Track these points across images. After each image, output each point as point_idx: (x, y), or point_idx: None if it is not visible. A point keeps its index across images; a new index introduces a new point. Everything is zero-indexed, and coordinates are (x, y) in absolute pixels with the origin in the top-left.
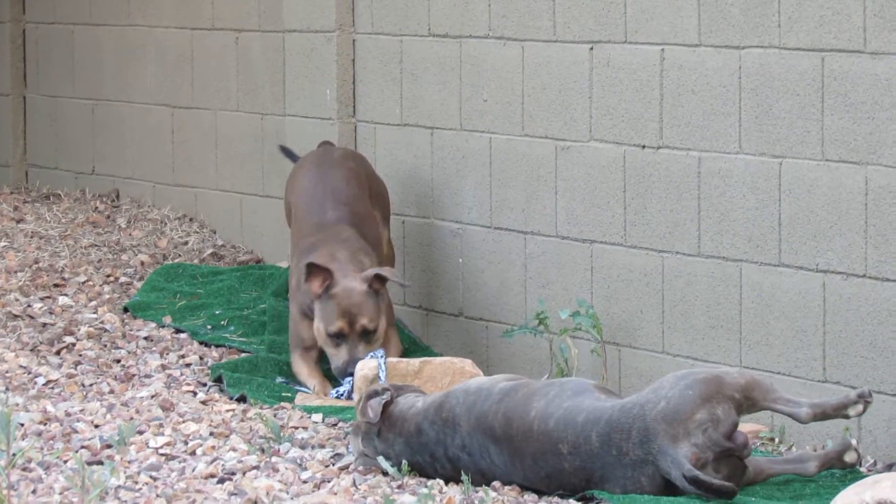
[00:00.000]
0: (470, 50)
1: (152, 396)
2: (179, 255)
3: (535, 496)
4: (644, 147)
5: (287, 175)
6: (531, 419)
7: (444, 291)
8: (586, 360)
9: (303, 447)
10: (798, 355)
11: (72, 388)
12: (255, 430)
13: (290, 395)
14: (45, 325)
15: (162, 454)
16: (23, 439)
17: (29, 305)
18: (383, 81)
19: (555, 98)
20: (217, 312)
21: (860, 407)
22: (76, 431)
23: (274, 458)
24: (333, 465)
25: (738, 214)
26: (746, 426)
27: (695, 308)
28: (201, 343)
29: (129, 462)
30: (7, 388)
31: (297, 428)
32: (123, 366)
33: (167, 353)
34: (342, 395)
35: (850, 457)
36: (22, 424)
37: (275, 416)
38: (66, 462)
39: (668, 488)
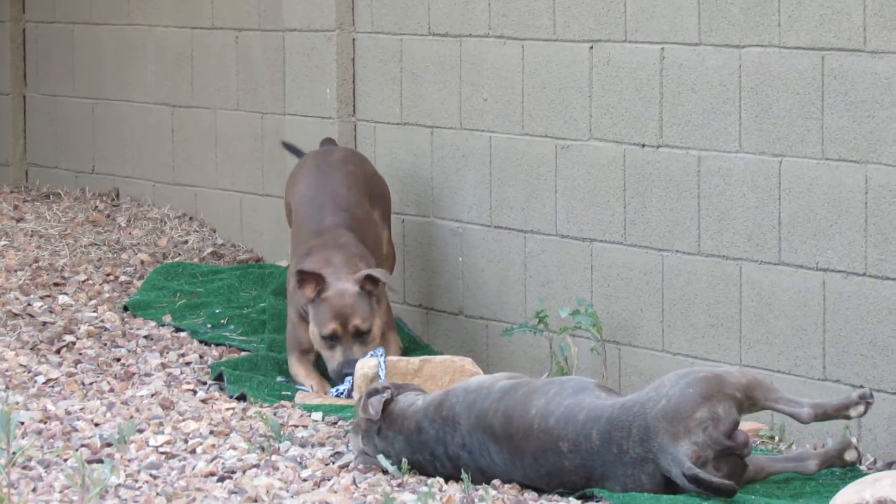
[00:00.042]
0: (470, 49)
1: (152, 395)
2: (179, 254)
3: (535, 494)
4: (644, 146)
5: (287, 174)
6: (531, 417)
7: (444, 290)
8: (586, 359)
9: (303, 445)
10: (798, 354)
11: (72, 387)
12: (255, 428)
13: (290, 393)
14: (45, 323)
15: (162, 452)
16: (23, 438)
17: (29, 304)
18: (383, 80)
19: (555, 97)
20: (217, 311)
21: (861, 408)
22: (76, 430)
23: (274, 457)
24: (333, 463)
25: (738, 213)
26: (746, 424)
27: (695, 306)
28: (201, 342)
29: (130, 460)
30: (7, 387)
31: (297, 426)
32: (123, 364)
33: (167, 352)
34: (342, 393)
35: (850, 455)
36: (22, 423)
37: (275, 414)
38: (66, 460)
39: (669, 486)
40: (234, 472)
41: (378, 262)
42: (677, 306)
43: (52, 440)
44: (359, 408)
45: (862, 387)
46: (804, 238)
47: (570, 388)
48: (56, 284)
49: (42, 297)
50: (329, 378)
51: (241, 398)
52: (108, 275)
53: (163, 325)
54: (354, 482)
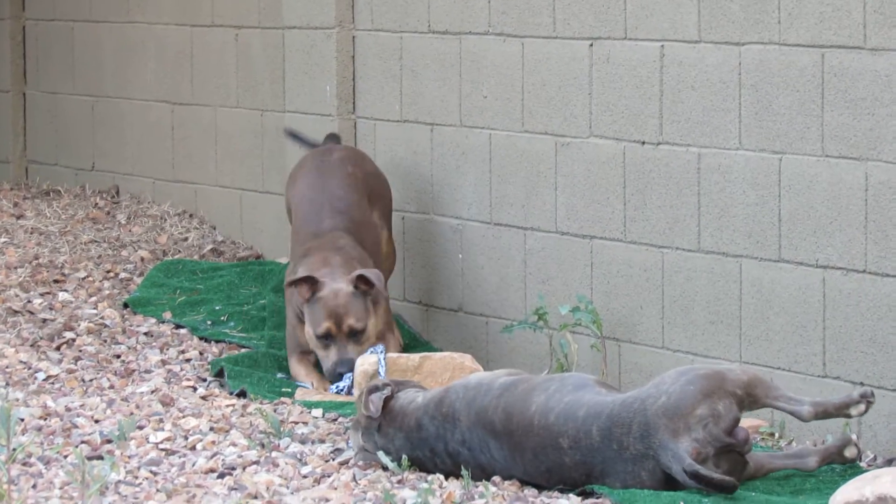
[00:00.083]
0: (470, 46)
1: (152, 392)
2: (179, 251)
3: (535, 491)
4: (644, 143)
5: (287, 170)
6: (531, 414)
7: (443, 287)
8: (586, 356)
9: (303, 442)
10: (798, 350)
11: (72, 384)
12: (255, 425)
13: (290, 390)
14: (45, 320)
15: (162, 449)
16: (23, 434)
17: (29, 301)
18: (383, 78)
19: (555, 94)
20: (217, 308)
21: (862, 407)
22: (76, 426)
23: (274, 453)
24: (333, 459)
25: (738, 210)
26: (747, 421)
27: (695, 303)
28: (201, 338)
29: (129, 457)
30: (7, 384)
31: (297, 423)
32: (123, 361)
33: (167, 349)
34: (342, 390)
35: (850, 452)
36: (22, 419)
37: (275, 411)
38: (66, 457)
39: (669, 483)
40: (234, 468)
41: (377, 264)
42: (677, 303)
43: (52, 437)
44: (359, 405)
45: (862, 384)
46: (804, 235)
47: (570, 384)
48: (56, 281)
49: (42, 294)
50: None
51: (242, 395)
52: (108, 272)
53: (163, 322)
54: (354, 479)
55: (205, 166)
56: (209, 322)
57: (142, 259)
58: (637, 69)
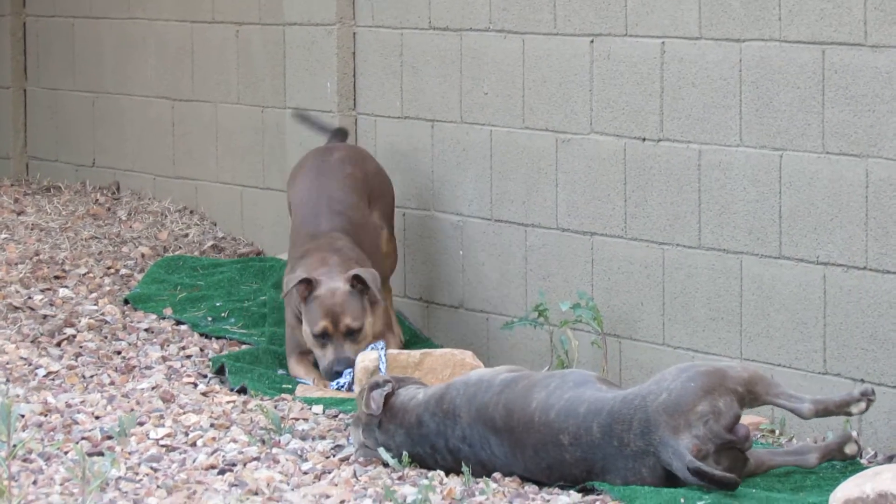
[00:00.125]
0: (470, 43)
1: (153, 388)
2: (180, 248)
3: (536, 487)
4: (644, 140)
5: (288, 167)
6: (532, 410)
7: (444, 283)
8: (587, 353)
9: (303, 438)
10: (798, 347)
11: (72, 380)
12: (255, 421)
13: (290, 386)
14: (45, 316)
15: (162, 445)
16: (23, 430)
17: (30, 297)
18: (384, 74)
19: (555, 91)
20: (217, 304)
21: (863, 405)
22: (77, 423)
23: (274, 450)
24: (334, 456)
25: (739, 207)
26: (747, 418)
27: (695, 300)
28: (202, 335)
29: (130, 453)
30: (8, 380)
31: (297, 419)
32: (124, 357)
33: (168, 345)
34: (342, 386)
35: (850, 448)
36: (23, 415)
37: (275, 407)
38: (66, 453)
39: (669, 480)
40: (234, 464)
41: (375, 265)
42: (678, 300)
43: (52, 433)
44: (360, 401)
45: (863, 381)
46: (805, 232)
47: (570, 381)
48: (57, 277)
49: (43, 291)
50: None
51: (242, 391)
52: (109, 268)
53: (163, 319)
54: (355, 475)
55: (205, 163)
56: (210, 318)
57: (142, 255)
58: (638, 66)
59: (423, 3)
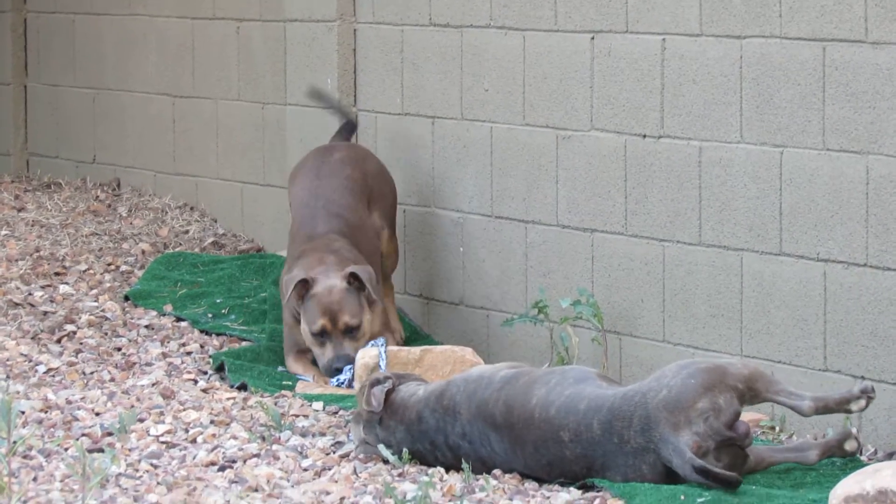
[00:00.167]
0: (471, 39)
1: (153, 384)
2: (180, 244)
3: (536, 484)
4: (645, 136)
5: (288, 164)
6: (532, 407)
7: (444, 280)
8: (587, 349)
9: (303, 435)
10: (799, 344)
11: (73, 376)
12: (255, 418)
13: (290, 383)
14: (45, 313)
15: (163, 442)
16: (24, 427)
17: (30, 294)
18: (384, 71)
19: (556, 87)
20: (218, 301)
21: (863, 402)
22: (77, 419)
23: (275, 446)
24: (334, 453)
25: (739, 204)
26: (747, 415)
27: (696, 297)
28: (202, 331)
29: (130, 450)
30: (8, 376)
31: (297, 416)
32: (124, 354)
33: (168, 342)
34: (343, 383)
35: (850, 445)
36: (23, 412)
37: (275, 404)
38: (66, 450)
39: (670, 476)
40: (234, 461)
41: (374, 267)
42: (678, 297)
43: (52, 429)
44: (360, 398)
45: (863, 378)
46: (805, 229)
47: (571, 377)
48: (57, 274)
49: (43, 287)
50: None
51: (242, 388)
52: (109, 264)
53: (164, 315)
54: (355, 472)
55: (206, 159)
56: (210, 315)
57: (143, 252)
58: (638, 62)
59: None
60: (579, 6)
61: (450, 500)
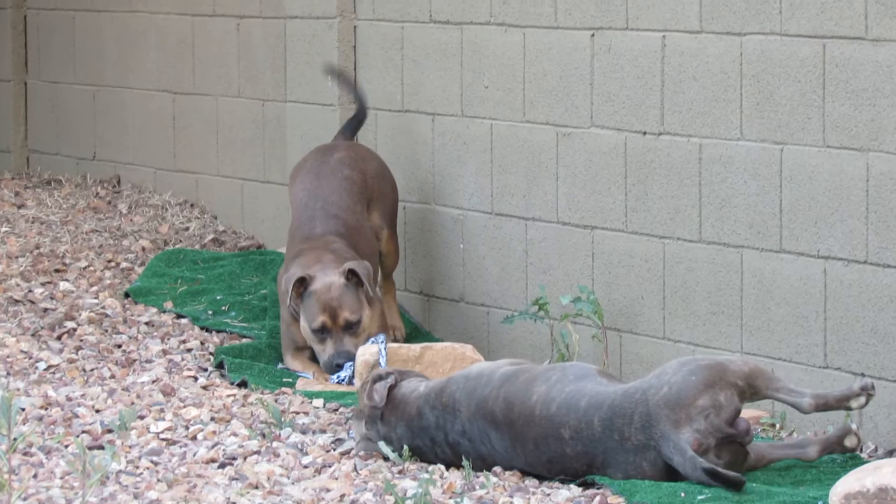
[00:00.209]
0: (471, 36)
1: (153, 381)
2: (180, 241)
3: (537, 481)
4: (645, 133)
5: (288, 161)
6: (533, 404)
7: (445, 277)
8: (587, 346)
9: (304, 432)
10: (799, 341)
11: (73, 373)
12: (256, 415)
13: (291, 380)
14: (46, 310)
15: (163, 439)
16: (24, 424)
17: (30, 290)
18: (384, 68)
19: (556, 84)
20: (218, 298)
21: (863, 399)
22: (77, 416)
23: (275, 444)
24: (334, 450)
25: (740, 201)
26: (747, 412)
27: (696, 294)
28: (202, 328)
29: (130, 447)
30: (8, 373)
31: (298, 413)
32: (124, 351)
33: (168, 339)
34: (343, 380)
35: (850, 441)
36: (23, 409)
37: (276, 401)
38: (67, 447)
39: (670, 474)
40: (234, 458)
41: (373, 267)
42: (678, 294)
43: (53, 426)
44: (361, 395)
45: (864, 376)
46: (805, 226)
47: (571, 374)
48: (57, 271)
49: (43, 284)
50: None
51: (243, 385)
52: (110, 261)
53: (164, 312)
54: (355, 469)
55: (206, 156)
56: (210, 312)
57: (143, 249)
58: (638, 59)
59: None
60: (579, 3)
61: (450, 498)
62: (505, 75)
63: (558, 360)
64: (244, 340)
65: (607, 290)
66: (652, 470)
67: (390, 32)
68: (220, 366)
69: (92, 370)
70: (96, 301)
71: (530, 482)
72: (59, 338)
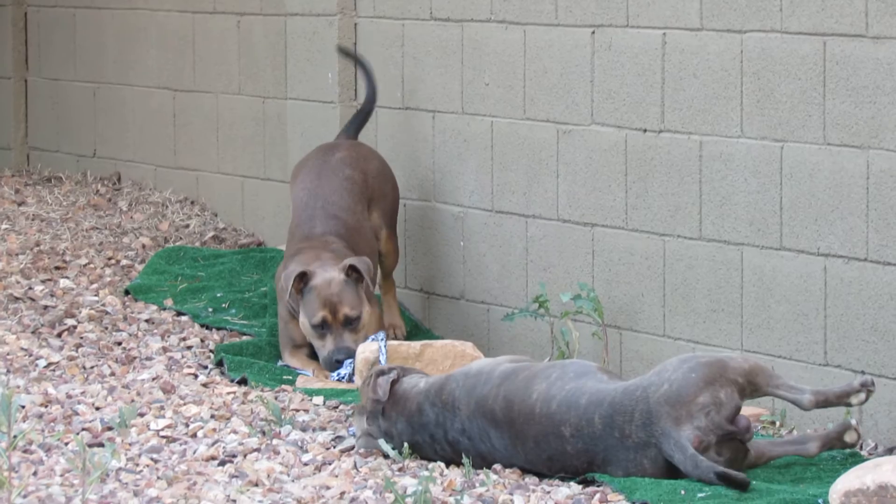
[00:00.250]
0: (472, 34)
1: (153, 379)
2: (181, 238)
3: (537, 479)
4: (645, 131)
5: (289, 158)
6: (533, 402)
7: (445, 275)
8: (587, 344)
9: (304, 430)
10: (799, 339)
11: (73, 371)
12: (256, 412)
13: (291, 377)
14: (46, 307)
15: (163, 436)
16: (24, 421)
17: (30, 288)
18: (385, 65)
19: (556, 82)
20: (218, 295)
21: (863, 395)
22: (77, 414)
23: (275, 441)
24: (334, 447)
25: (740, 198)
26: (748, 410)
27: (696, 291)
28: (202, 326)
29: (130, 444)
30: (8, 371)
31: (298, 410)
32: (124, 348)
33: (168, 336)
34: (343, 377)
35: (850, 437)
36: (23, 406)
37: (276, 398)
38: (66, 444)
39: (671, 471)
40: (234, 456)
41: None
42: (679, 291)
43: (53, 424)
44: (364, 390)
45: (864, 373)
46: (806, 223)
47: (571, 371)
48: (57, 268)
49: (43, 281)
50: None
51: (243, 382)
52: (110, 258)
53: (164, 309)
54: (355, 466)
55: (206, 153)
56: (210, 309)
57: (143, 246)
58: (639, 57)
59: None
60: (580, 0)
61: (450, 495)
62: (505, 72)
63: (558, 358)
64: (244, 338)
65: (607, 288)
66: (653, 467)
67: (391, 29)
68: (220, 363)
69: (92, 367)
70: (96, 298)
71: (530, 480)
72: (59, 335)
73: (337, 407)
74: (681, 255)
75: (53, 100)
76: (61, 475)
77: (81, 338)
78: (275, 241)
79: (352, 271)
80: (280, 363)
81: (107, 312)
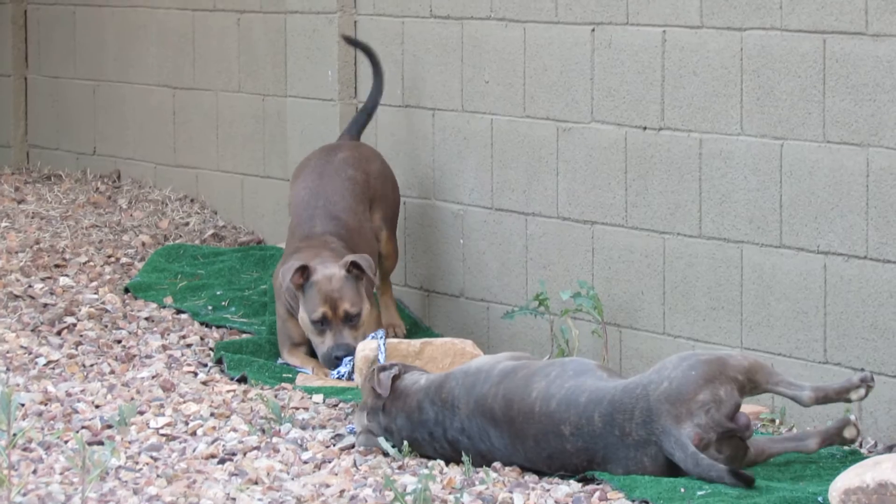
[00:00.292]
0: (472, 31)
1: (153, 377)
2: (180, 236)
3: (536, 477)
4: (645, 129)
5: (289, 157)
6: (532, 400)
7: (445, 272)
8: (587, 342)
9: (303, 428)
10: (799, 336)
11: (72, 369)
12: (255, 410)
13: (290, 376)
14: (45, 305)
15: (162, 434)
16: (23, 419)
17: (30, 286)
18: (385, 63)
19: (556, 79)
20: (218, 293)
21: (862, 391)
22: (77, 412)
23: (274, 439)
24: (334, 445)
25: (740, 196)
26: (747, 407)
27: (696, 289)
28: (202, 324)
29: (130, 442)
30: (8, 369)
31: (297, 409)
32: (124, 346)
33: (168, 334)
34: (343, 375)
35: (849, 433)
36: (23, 405)
37: (275, 396)
38: (66, 442)
39: (671, 469)
40: (234, 454)
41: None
42: (678, 289)
43: (52, 422)
44: (364, 387)
45: (863, 370)
46: (805, 221)
47: (571, 370)
48: (57, 266)
49: (43, 279)
50: None
51: (242, 380)
52: (110, 256)
53: (164, 307)
54: (355, 464)
55: (206, 151)
56: (210, 307)
57: (143, 244)
58: (639, 54)
59: None
60: None
61: (450, 493)
62: (505, 70)
63: (558, 356)
64: (244, 336)
65: (607, 286)
66: (653, 465)
67: (391, 27)
68: (219, 361)
69: (92, 365)
70: (96, 296)
71: (530, 478)
72: (58, 333)
73: (337, 405)
74: (680, 253)
75: (53, 97)
76: (61, 473)
77: (81, 336)
78: (274, 238)
79: (353, 268)
80: (280, 361)
81: (106, 310)
